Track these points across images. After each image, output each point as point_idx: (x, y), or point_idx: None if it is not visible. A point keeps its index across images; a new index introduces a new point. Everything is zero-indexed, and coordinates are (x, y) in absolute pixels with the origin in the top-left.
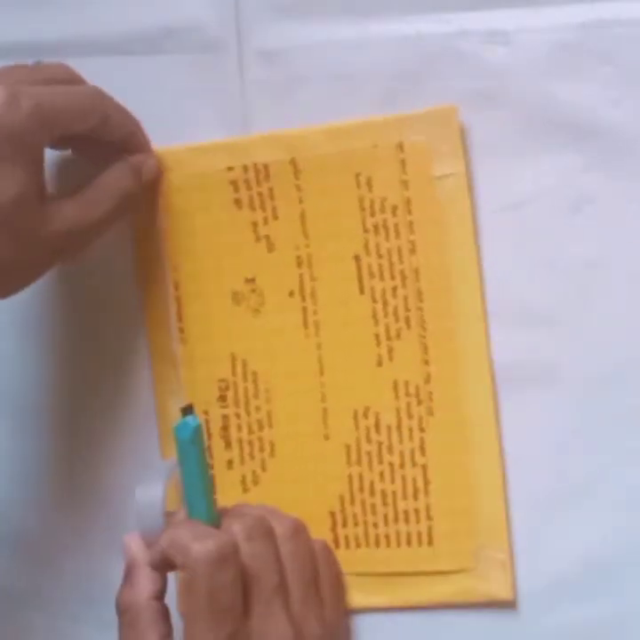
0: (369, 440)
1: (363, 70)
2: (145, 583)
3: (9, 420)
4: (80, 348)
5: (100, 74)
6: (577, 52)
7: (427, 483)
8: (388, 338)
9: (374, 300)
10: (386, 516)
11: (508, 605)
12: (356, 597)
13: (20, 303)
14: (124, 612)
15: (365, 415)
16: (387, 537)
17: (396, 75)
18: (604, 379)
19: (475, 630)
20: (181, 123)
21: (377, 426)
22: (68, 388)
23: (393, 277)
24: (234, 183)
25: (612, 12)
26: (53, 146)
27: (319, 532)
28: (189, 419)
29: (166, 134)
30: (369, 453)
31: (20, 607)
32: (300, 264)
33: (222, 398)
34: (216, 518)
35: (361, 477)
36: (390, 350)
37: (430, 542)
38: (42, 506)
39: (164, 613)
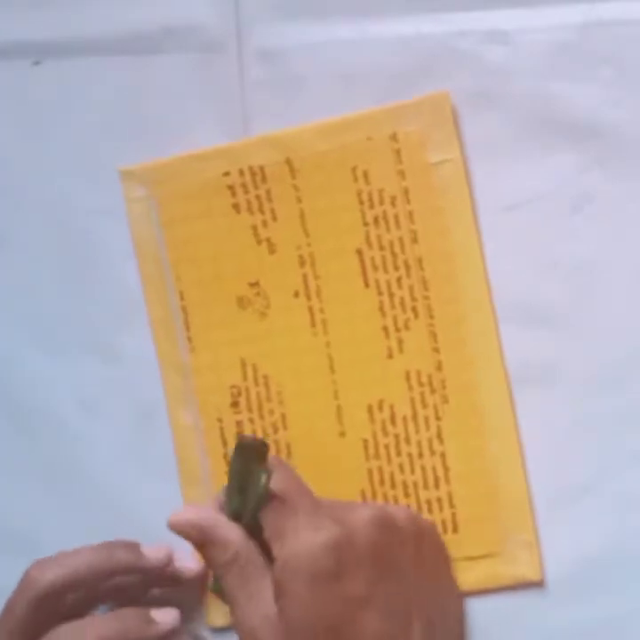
0: (385, 433)
1: (362, 70)
2: (233, 531)
3: (9, 420)
4: (86, 361)
5: (100, 74)
6: (577, 52)
7: (446, 470)
8: (397, 329)
9: (380, 293)
10: (409, 507)
11: (535, 587)
12: None
13: (20, 303)
14: (232, 562)
15: (380, 408)
16: None
17: (396, 75)
18: (604, 379)
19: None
20: (181, 122)
21: (392, 418)
22: (74, 401)
23: (397, 268)
24: (231, 188)
25: (611, 12)
26: None
27: None
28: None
29: (166, 134)
30: (386, 446)
31: None
32: (302, 263)
33: (235, 405)
34: None
35: (381, 471)
36: (400, 341)
37: (455, 529)
38: (42, 506)
39: None
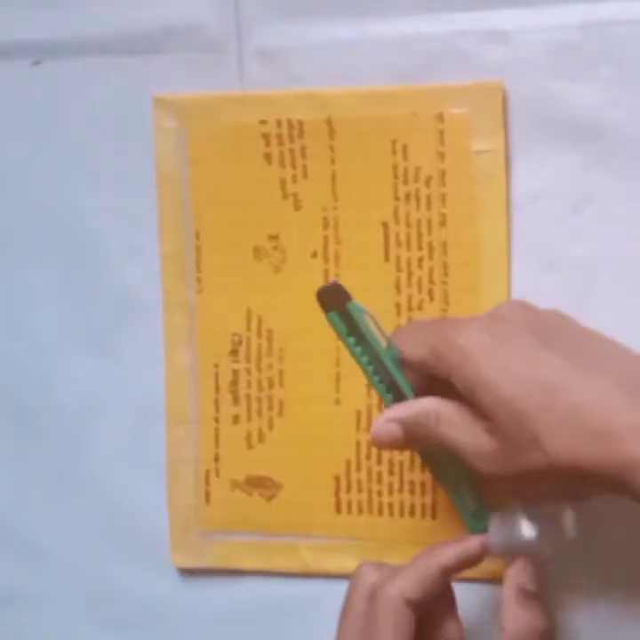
0: (380, 408)
1: (362, 70)
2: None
3: (9, 420)
4: (86, 361)
5: (100, 74)
6: (577, 52)
7: None
8: (410, 308)
9: (399, 269)
10: (391, 485)
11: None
12: (352, 563)
13: (20, 303)
14: (440, 420)
15: None
16: (390, 506)
17: (396, 75)
18: None
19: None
20: None
21: None
22: (75, 401)
23: (420, 248)
24: (266, 137)
25: (611, 12)
26: None
27: (321, 495)
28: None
29: None
30: None
31: (19, 607)
32: (326, 225)
33: (234, 353)
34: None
35: (369, 445)
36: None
37: (434, 515)
38: (41, 505)
39: None
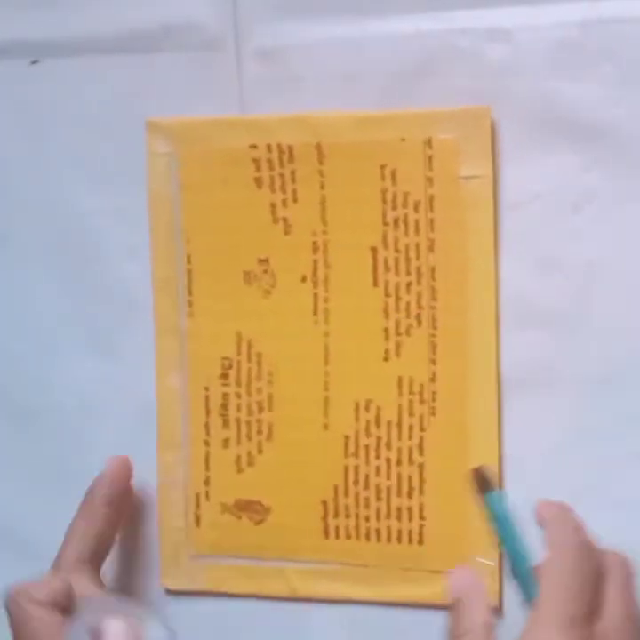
0: (368, 434)
1: (361, 69)
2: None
3: (9, 420)
4: (86, 361)
5: (98, 73)
6: (578, 51)
7: (422, 482)
8: (398, 333)
9: (387, 294)
10: (378, 511)
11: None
12: (340, 588)
13: (20, 303)
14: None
15: (367, 408)
16: (377, 531)
17: (396, 73)
18: (603, 379)
19: None
20: None
21: (377, 420)
22: (74, 401)
23: (408, 273)
24: (256, 162)
25: (612, 9)
26: None
27: (309, 520)
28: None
29: None
30: (367, 447)
31: None
32: (315, 250)
33: (224, 376)
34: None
35: (357, 470)
36: (398, 346)
37: (421, 541)
38: (41, 505)
39: None
